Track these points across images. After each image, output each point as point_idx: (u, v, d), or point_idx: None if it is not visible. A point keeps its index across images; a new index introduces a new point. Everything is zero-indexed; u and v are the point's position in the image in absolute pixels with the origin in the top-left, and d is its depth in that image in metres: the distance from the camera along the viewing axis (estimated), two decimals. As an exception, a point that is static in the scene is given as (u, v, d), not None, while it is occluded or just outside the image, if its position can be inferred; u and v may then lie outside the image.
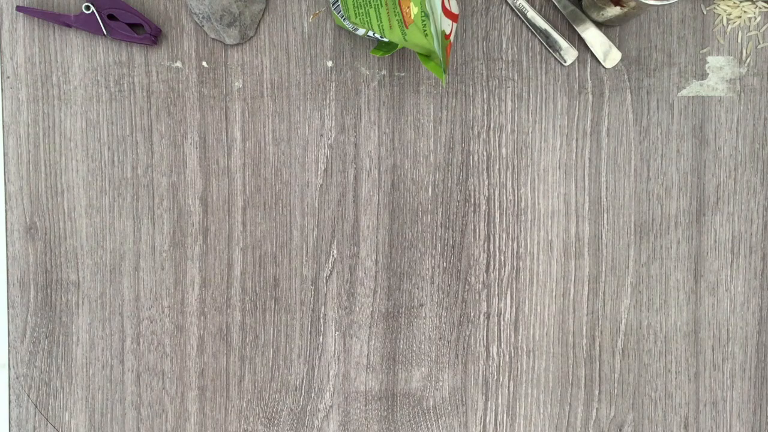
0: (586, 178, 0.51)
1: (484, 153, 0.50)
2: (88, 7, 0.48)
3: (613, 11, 0.46)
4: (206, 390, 0.51)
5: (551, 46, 0.49)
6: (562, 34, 0.49)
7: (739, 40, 0.50)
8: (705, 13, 0.50)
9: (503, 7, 0.50)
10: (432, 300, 0.51)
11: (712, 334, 0.51)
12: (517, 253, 0.51)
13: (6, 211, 0.50)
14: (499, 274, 0.51)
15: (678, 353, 0.51)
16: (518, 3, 0.49)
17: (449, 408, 0.51)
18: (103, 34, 0.48)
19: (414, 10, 0.40)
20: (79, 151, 0.50)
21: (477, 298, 0.51)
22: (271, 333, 0.51)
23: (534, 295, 0.51)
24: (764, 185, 0.51)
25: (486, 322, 0.51)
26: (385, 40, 0.44)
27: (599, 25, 0.49)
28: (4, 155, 0.50)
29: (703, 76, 0.50)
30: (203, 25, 0.49)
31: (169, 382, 0.51)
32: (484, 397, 0.51)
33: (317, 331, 0.51)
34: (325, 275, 0.51)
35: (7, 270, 0.51)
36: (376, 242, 0.51)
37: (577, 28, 0.49)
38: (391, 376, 0.51)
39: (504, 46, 0.50)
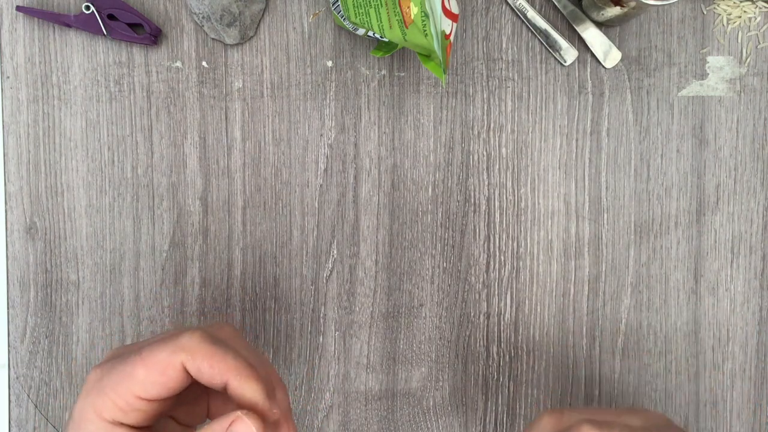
0: (586, 178, 0.51)
1: (484, 153, 0.50)
2: (88, 7, 0.48)
3: (613, 11, 0.46)
4: (206, 390, 0.51)
5: (551, 46, 0.49)
6: (562, 34, 0.49)
7: (739, 40, 0.50)
8: (705, 13, 0.50)
9: (503, 7, 0.50)
10: (432, 300, 0.51)
11: (712, 334, 0.51)
12: (517, 253, 0.51)
13: (6, 211, 0.50)
14: (499, 274, 0.51)
15: (678, 353, 0.51)
16: (518, 3, 0.49)
17: (449, 408, 0.51)
18: (103, 34, 0.48)
19: (414, 10, 0.40)
20: (79, 151, 0.50)
21: (477, 298, 0.51)
22: (271, 333, 0.51)
23: (534, 295, 0.51)
24: (764, 185, 0.51)
25: (486, 322, 0.51)
26: (385, 40, 0.44)
27: (599, 25, 0.49)
28: (4, 155, 0.50)
29: (703, 76, 0.50)
30: (203, 25, 0.49)
31: (169, 382, 0.51)
32: (484, 397, 0.51)
33: (317, 331, 0.51)
34: (325, 275, 0.51)
35: (7, 270, 0.51)
36: (376, 242, 0.51)
37: (577, 28, 0.49)
38: (391, 376, 0.51)
39: (504, 46, 0.50)
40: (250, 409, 0.32)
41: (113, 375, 0.31)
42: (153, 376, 0.31)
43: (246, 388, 0.31)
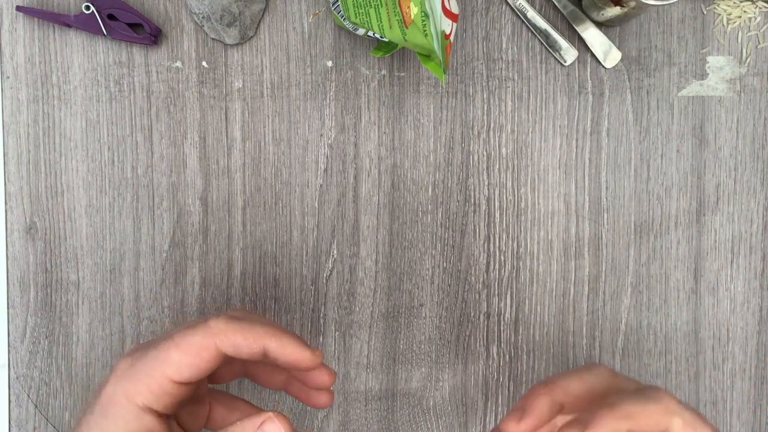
0: (586, 178, 0.51)
1: (484, 153, 0.50)
2: (88, 7, 0.48)
3: (613, 11, 0.46)
4: (206, 390, 0.51)
5: (551, 46, 0.49)
6: (562, 34, 0.49)
7: (739, 40, 0.50)
8: (705, 13, 0.50)
9: (503, 7, 0.50)
10: (432, 300, 0.51)
11: (712, 334, 0.51)
12: (517, 253, 0.51)
13: (6, 211, 0.50)
14: (499, 274, 0.51)
15: (678, 353, 0.51)
16: (518, 3, 0.49)
17: (449, 408, 0.51)
18: (103, 34, 0.48)
19: (414, 10, 0.40)
20: (79, 151, 0.50)
21: (477, 298, 0.51)
22: (271, 333, 0.51)
23: (534, 295, 0.51)
24: (764, 185, 0.51)
25: (486, 322, 0.51)
26: (385, 40, 0.44)
27: (599, 25, 0.49)
28: (4, 155, 0.50)
29: (703, 76, 0.50)
30: (203, 25, 0.49)
31: (169, 382, 0.51)
32: (484, 397, 0.51)
33: (317, 331, 0.51)
34: (325, 275, 0.51)
35: (7, 270, 0.51)
36: (376, 242, 0.51)
37: (577, 28, 0.49)
38: (391, 376, 0.51)
39: (504, 46, 0.50)
40: (293, 364, 0.35)
41: (147, 360, 0.33)
42: (187, 358, 0.33)
43: (285, 344, 0.34)
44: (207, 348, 0.33)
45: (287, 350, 0.34)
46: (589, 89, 0.50)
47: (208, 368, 0.33)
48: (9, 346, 0.51)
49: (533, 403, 0.37)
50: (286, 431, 0.31)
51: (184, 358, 0.32)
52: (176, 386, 0.33)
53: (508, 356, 0.51)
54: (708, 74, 0.50)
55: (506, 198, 0.51)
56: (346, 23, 0.45)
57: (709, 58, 0.50)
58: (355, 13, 0.42)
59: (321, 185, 0.50)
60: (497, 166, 0.50)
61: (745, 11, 0.50)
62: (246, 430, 0.31)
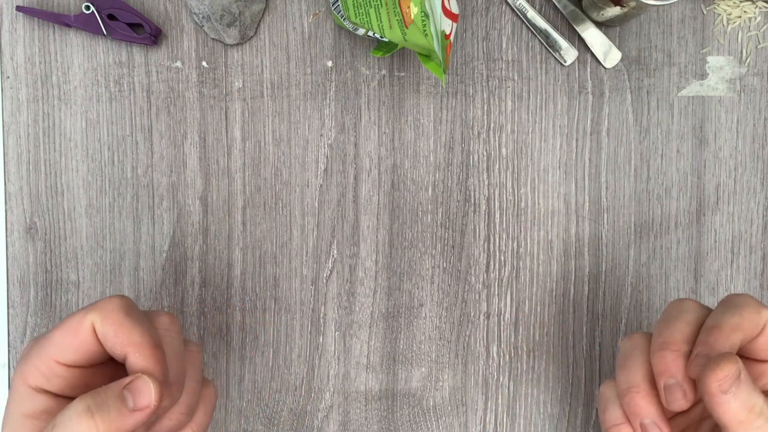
0: (586, 178, 0.51)
1: (484, 153, 0.50)
2: (88, 7, 0.48)
3: (613, 11, 0.46)
4: (206, 390, 0.51)
5: (551, 46, 0.49)
6: (562, 34, 0.49)
7: (739, 40, 0.50)
8: (705, 13, 0.50)
9: (503, 7, 0.50)
10: (432, 300, 0.51)
11: (712, 334, 0.51)
12: (517, 253, 0.51)
13: (6, 211, 0.50)
14: (499, 274, 0.51)
15: (678, 353, 0.51)
16: (518, 3, 0.49)
17: (449, 408, 0.51)
18: (103, 34, 0.48)
19: (414, 10, 0.40)
20: (79, 151, 0.50)
21: (477, 298, 0.51)
22: (271, 333, 0.51)
23: (534, 295, 0.51)
24: (764, 185, 0.51)
25: (486, 322, 0.51)
26: (385, 40, 0.44)
27: (599, 25, 0.49)
28: (4, 155, 0.50)
29: (703, 76, 0.50)
30: (203, 25, 0.49)
31: (169, 382, 0.51)
32: (484, 397, 0.51)
33: (317, 331, 0.51)
34: (325, 275, 0.51)
35: (7, 270, 0.51)
36: (376, 242, 0.51)
37: (577, 28, 0.49)
38: (391, 376, 0.51)
39: (504, 46, 0.50)
40: (133, 391, 0.31)
41: (38, 342, 0.32)
42: (67, 338, 0.31)
43: (140, 365, 0.31)
44: (84, 326, 0.31)
45: (139, 381, 0.30)
46: (589, 89, 0.50)
47: (89, 350, 0.31)
48: (9, 346, 0.51)
49: (674, 367, 0.33)
50: (154, 385, 0.30)
51: (64, 337, 0.31)
52: (63, 368, 0.31)
53: (508, 356, 0.51)
54: (708, 74, 0.50)
55: (506, 198, 0.51)
56: (346, 23, 0.45)
57: (709, 58, 0.50)
58: (355, 13, 0.42)
59: (321, 185, 0.50)
60: (497, 166, 0.50)
61: (745, 11, 0.50)
62: (111, 388, 0.30)
